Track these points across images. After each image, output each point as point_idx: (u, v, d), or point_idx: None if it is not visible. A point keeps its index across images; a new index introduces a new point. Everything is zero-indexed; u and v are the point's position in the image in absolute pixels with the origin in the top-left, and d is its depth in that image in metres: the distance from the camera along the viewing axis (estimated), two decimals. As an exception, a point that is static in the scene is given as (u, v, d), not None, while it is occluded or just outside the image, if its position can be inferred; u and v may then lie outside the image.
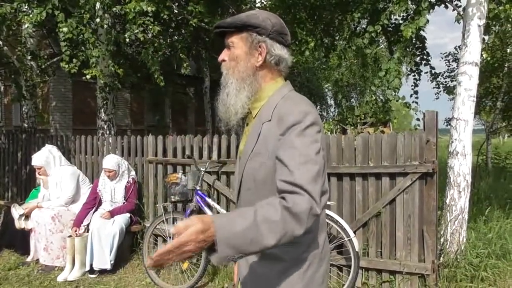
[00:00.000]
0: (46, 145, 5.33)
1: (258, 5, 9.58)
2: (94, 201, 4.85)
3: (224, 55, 1.49)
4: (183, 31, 8.14)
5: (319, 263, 1.42)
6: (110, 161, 4.82)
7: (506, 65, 9.45)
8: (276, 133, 1.33)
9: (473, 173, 4.85)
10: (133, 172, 5.04)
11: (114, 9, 6.04)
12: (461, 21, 4.45)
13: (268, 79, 1.47)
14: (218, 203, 4.40)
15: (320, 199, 1.25)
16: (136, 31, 5.79)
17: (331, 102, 23.18)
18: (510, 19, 4.46)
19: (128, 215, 4.80)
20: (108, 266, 4.45)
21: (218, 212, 4.30)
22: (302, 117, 1.30)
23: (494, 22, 5.31)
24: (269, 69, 1.46)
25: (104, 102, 7.05)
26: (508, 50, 9.10)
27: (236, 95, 1.44)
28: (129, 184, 4.88)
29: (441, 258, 4.07)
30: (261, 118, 1.42)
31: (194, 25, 6.80)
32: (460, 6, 5.02)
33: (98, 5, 6.15)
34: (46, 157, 5.04)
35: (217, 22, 1.51)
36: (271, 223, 1.18)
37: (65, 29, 5.72)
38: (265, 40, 1.43)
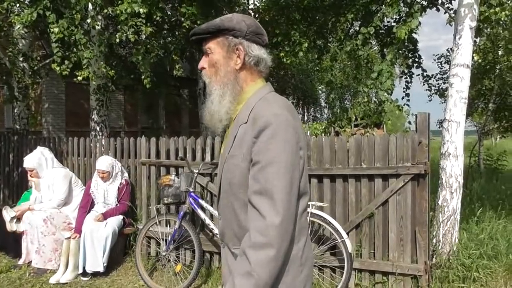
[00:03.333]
0: (38, 147, 5.29)
1: (251, 6, 9.60)
2: (88, 203, 4.82)
3: (203, 63, 1.49)
4: (176, 32, 8.13)
5: (300, 268, 1.39)
6: (104, 162, 4.80)
7: (497, 67, 9.52)
8: (250, 135, 1.33)
9: (465, 174, 4.88)
10: (125, 174, 5.02)
11: (105, 10, 6.02)
12: (453, 23, 4.49)
13: (249, 81, 1.47)
14: (211, 205, 4.39)
15: (291, 206, 1.28)
16: (128, 32, 5.77)
17: (324, 103, 23.28)
18: (501, 22, 4.50)
19: (120, 217, 4.77)
20: (100, 269, 4.42)
21: (211, 214, 4.29)
22: (273, 119, 1.30)
23: (485, 25, 5.36)
24: (249, 71, 1.46)
25: (100, 103, 7.03)
26: (500, 52, 9.18)
27: (220, 102, 1.44)
28: (121, 186, 4.86)
29: (434, 259, 4.09)
30: (238, 121, 1.42)
31: (187, 26, 6.80)
32: (452, 9, 5.06)
33: (90, 6, 6.13)
34: (38, 159, 5.01)
35: (192, 30, 1.51)
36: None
37: (56, 30, 5.69)
38: (241, 42, 1.43)
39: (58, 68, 5.96)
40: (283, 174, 1.27)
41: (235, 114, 1.47)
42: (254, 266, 1.24)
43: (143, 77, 6.35)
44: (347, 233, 3.91)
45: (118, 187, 4.84)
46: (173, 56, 7.65)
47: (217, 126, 1.46)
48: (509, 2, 4.52)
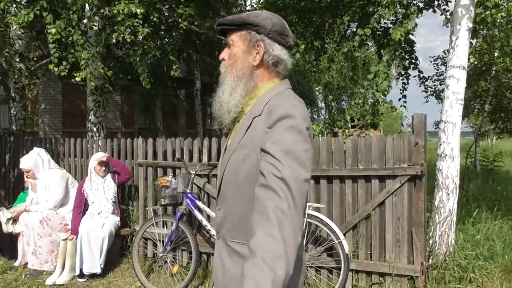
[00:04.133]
0: (35, 148, 5.28)
1: (248, 7, 9.60)
2: (82, 204, 4.78)
3: (224, 54, 1.48)
4: (173, 33, 8.13)
5: (295, 270, 1.34)
6: (102, 154, 4.90)
7: (493, 69, 9.56)
8: (263, 126, 1.32)
9: (461, 176, 4.89)
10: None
11: (102, 10, 6.02)
12: (449, 25, 4.51)
13: (266, 79, 1.45)
14: (208, 206, 4.39)
15: (303, 197, 1.23)
16: (125, 33, 5.76)
17: (322, 104, 23.30)
18: (497, 24, 4.52)
19: (117, 218, 4.77)
20: (98, 270, 4.41)
21: (208, 215, 4.29)
22: (291, 111, 1.28)
23: (481, 27, 5.38)
24: (267, 69, 1.44)
25: (96, 104, 7.03)
26: (496, 54, 9.22)
27: (231, 93, 1.42)
28: (112, 174, 4.89)
29: (430, 260, 4.10)
30: (252, 113, 1.41)
31: (184, 27, 6.80)
32: (448, 10, 5.08)
33: (86, 6, 6.12)
34: (35, 160, 5.00)
35: (219, 20, 1.51)
36: (270, 254, 1.13)
37: (53, 30, 5.68)
38: (263, 39, 1.41)
39: (56, 69, 5.95)
40: (298, 164, 1.24)
41: (247, 109, 1.45)
42: (283, 235, 1.15)
43: (141, 78, 6.35)
44: (344, 234, 3.91)
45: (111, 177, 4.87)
46: (170, 57, 7.64)
47: (224, 117, 1.44)
48: (505, 4, 4.54)
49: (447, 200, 4.28)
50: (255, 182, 1.28)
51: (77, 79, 6.13)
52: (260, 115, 1.36)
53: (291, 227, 1.16)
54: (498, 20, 4.32)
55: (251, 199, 1.30)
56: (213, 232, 4.14)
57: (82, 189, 4.80)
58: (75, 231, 4.57)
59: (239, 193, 1.37)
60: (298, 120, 1.27)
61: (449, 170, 4.29)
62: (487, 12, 4.22)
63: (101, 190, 4.76)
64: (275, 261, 1.12)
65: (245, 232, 1.32)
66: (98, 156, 4.84)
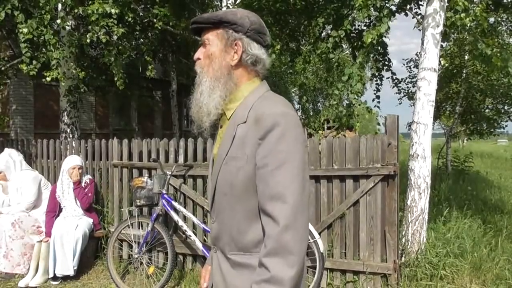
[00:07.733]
0: (6, 149, 5.15)
1: (224, 8, 9.61)
2: (56, 207, 4.71)
3: (199, 53, 1.42)
4: (149, 34, 8.06)
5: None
6: (76, 158, 4.80)
7: (464, 72, 9.83)
8: (254, 136, 1.27)
9: (433, 176, 5.01)
10: (88, 175, 4.98)
11: (76, 10, 5.92)
12: (421, 28, 4.63)
13: (245, 80, 1.39)
14: (184, 207, 4.37)
15: (304, 208, 1.24)
16: (99, 33, 5.69)
17: (298, 106, 23.47)
18: (466, 27, 4.66)
19: (91, 220, 4.70)
20: (71, 272, 4.34)
21: (184, 216, 4.27)
22: (281, 119, 1.25)
23: (452, 30, 5.53)
24: (246, 69, 1.39)
25: (71, 105, 6.92)
26: (466, 57, 9.48)
27: (209, 95, 1.36)
28: (86, 185, 4.79)
29: (403, 258, 4.20)
30: (235, 120, 1.35)
31: (160, 28, 6.76)
32: (420, 14, 5.21)
33: (59, 6, 6.02)
34: (6, 162, 4.89)
35: (193, 18, 1.45)
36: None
37: (24, 30, 5.57)
38: (241, 37, 1.36)
39: (25, 68, 5.83)
40: (296, 175, 1.22)
41: (229, 113, 1.39)
42: (274, 273, 1.18)
43: (116, 78, 6.27)
44: (319, 233, 3.97)
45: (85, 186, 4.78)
46: (146, 57, 7.57)
47: (204, 119, 1.37)
48: (474, 8, 4.69)
49: (419, 199, 4.38)
50: (252, 192, 1.29)
51: (48, 79, 6.02)
52: (245, 122, 1.32)
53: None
54: (467, 24, 4.45)
55: (250, 209, 1.30)
56: (189, 232, 4.13)
57: (56, 194, 4.71)
58: (49, 233, 4.49)
59: (237, 205, 1.33)
60: (289, 127, 1.25)
61: (421, 170, 4.39)
62: (457, 16, 4.35)
63: (72, 194, 4.69)
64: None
65: (244, 242, 1.33)
66: (74, 162, 4.73)
